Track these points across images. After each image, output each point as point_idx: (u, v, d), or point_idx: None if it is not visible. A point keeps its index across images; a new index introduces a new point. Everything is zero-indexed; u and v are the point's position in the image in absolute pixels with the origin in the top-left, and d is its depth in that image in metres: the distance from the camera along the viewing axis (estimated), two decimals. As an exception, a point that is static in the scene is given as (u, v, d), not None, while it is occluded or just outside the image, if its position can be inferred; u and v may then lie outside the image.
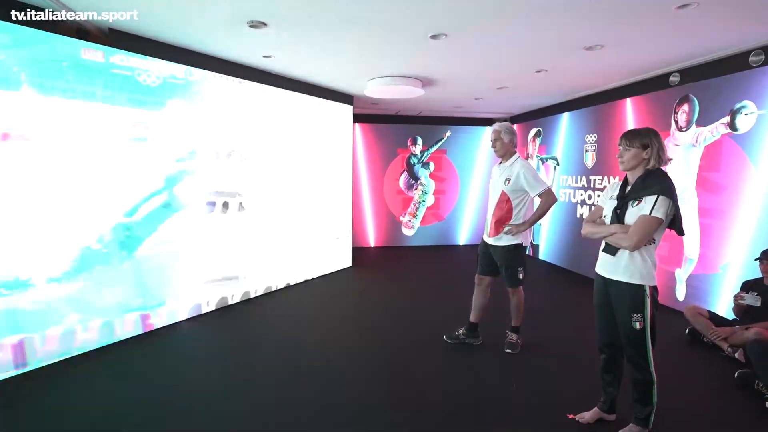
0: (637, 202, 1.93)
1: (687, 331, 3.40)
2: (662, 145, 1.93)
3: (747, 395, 2.52)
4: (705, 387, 2.66)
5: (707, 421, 2.29)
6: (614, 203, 2.02)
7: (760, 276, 3.08)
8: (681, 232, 1.92)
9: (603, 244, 2.07)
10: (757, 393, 2.51)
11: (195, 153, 3.69)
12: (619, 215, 1.97)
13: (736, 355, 2.97)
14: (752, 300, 3.03)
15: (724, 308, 3.53)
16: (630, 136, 1.96)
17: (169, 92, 3.47)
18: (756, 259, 3.05)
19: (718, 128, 3.68)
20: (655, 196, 1.87)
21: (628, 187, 1.99)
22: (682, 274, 4.01)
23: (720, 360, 3.01)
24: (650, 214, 1.86)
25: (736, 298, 3.14)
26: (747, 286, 3.15)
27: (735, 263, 3.52)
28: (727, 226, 3.58)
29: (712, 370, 2.87)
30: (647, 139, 1.93)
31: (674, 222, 1.90)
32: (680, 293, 4.02)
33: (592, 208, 5.18)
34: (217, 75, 3.88)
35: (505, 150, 3.03)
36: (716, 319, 3.30)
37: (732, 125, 3.54)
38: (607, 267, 2.05)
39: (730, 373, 2.75)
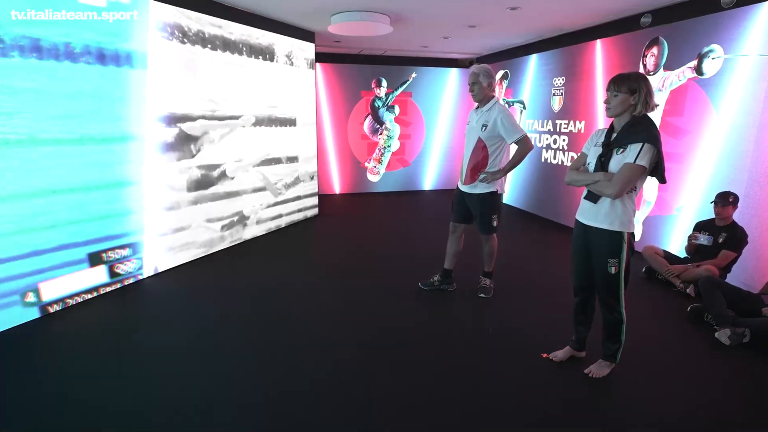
0: (621, 149, 1.91)
1: (644, 269, 3.62)
2: (650, 91, 1.88)
3: (698, 327, 2.75)
4: (661, 320, 2.87)
5: (664, 350, 2.49)
6: (599, 150, 1.99)
7: (712, 217, 3.28)
8: (663, 180, 1.93)
9: (585, 192, 2.07)
10: (707, 324, 2.74)
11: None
12: (603, 163, 1.96)
13: (687, 290, 3.21)
14: (705, 240, 3.24)
15: (677, 247, 3.77)
16: (618, 81, 1.90)
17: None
18: (712, 202, 3.22)
19: (684, 72, 3.71)
20: (640, 144, 1.85)
21: (614, 134, 1.97)
22: (639, 216, 4.22)
23: (673, 295, 3.25)
24: (634, 161, 1.85)
25: (690, 238, 3.35)
26: (699, 227, 3.36)
27: (689, 205, 3.72)
28: (684, 170, 3.73)
29: (667, 305, 3.10)
30: (635, 84, 1.87)
31: (656, 170, 1.90)
32: (637, 234, 4.24)
33: (557, 152, 5.26)
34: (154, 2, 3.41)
35: (483, 94, 2.92)
36: (670, 258, 3.53)
37: (699, 69, 3.58)
38: (587, 214, 2.07)
39: (683, 307, 2.98)
